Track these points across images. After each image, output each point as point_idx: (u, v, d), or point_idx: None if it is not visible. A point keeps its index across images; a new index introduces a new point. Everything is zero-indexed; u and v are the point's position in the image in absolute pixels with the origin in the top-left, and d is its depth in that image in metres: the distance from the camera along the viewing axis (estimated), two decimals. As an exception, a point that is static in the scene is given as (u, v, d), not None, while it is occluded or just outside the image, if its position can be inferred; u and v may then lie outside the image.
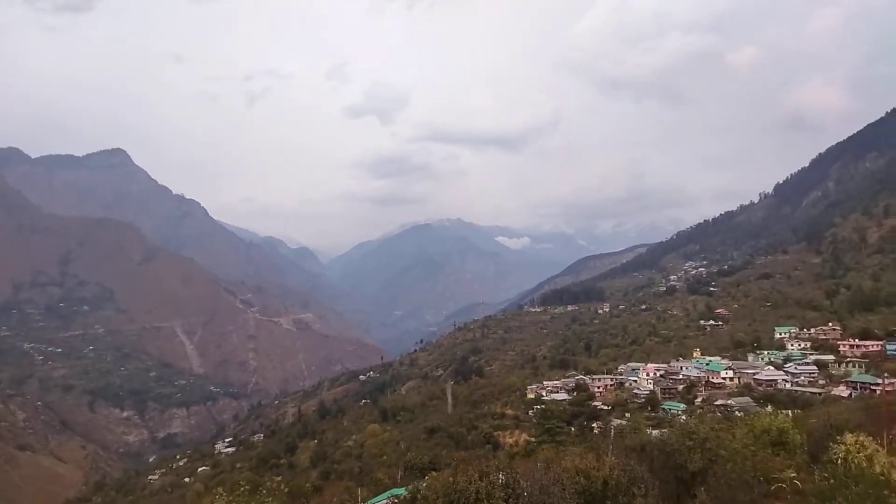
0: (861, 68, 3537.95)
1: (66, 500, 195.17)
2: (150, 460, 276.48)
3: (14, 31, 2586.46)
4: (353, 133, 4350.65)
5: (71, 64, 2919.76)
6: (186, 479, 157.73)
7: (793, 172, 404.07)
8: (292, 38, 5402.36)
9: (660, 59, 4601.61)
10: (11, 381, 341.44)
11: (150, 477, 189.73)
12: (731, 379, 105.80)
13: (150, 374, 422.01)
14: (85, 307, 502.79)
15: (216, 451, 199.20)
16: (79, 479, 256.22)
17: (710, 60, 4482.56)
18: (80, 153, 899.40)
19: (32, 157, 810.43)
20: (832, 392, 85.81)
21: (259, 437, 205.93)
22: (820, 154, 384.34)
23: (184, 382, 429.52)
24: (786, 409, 62.03)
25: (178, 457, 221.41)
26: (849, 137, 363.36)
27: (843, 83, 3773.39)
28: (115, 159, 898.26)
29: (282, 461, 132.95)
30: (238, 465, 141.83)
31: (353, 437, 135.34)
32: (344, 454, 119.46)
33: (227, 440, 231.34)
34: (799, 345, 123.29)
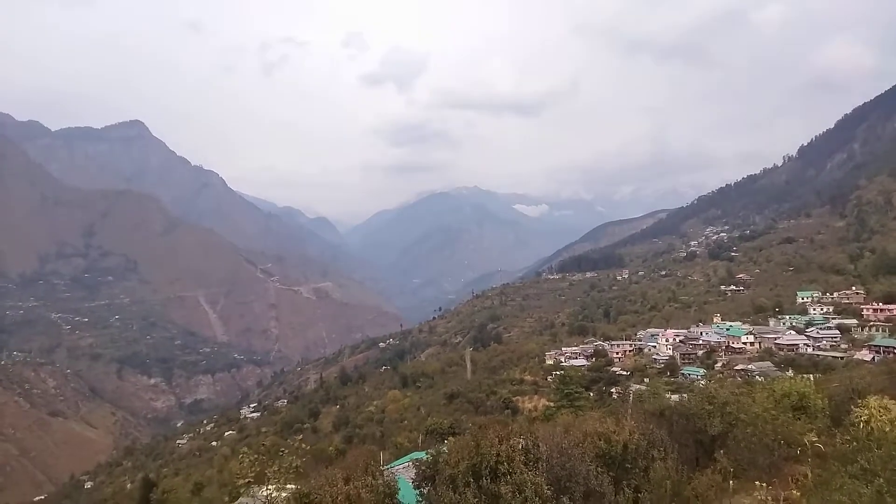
0: (890, 26, 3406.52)
1: (97, 465, 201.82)
2: (178, 425, 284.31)
3: (31, 4, 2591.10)
4: (371, 101, 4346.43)
5: (87, 36, 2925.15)
6: (214, 443, 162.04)
7: (818, 134, 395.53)
8: (307, 5, 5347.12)
9: (683, 19, 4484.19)
10: (41, 350, 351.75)
11: (178, 441, 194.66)
12: (752, 344, 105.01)
13: (176, 343, 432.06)
14: (109, 277, 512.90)
15: (242, 416, 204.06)
16: (109, 444, 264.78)
17: (735, 20, 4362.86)
18: (98, 125, 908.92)
19: (52, 129, 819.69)
20: (855, 356, 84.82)
21: (283, 402, 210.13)
22: (846, 115, 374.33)
23: (208, 350, 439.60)
24: (807, 373, 61.69)
25: (204, 422, 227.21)
26: (876, 98, 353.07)
27: (871, 42, 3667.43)
28: (134, 131, 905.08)
29: (305, 426, 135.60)
30: (263, 430, 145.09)
31: (375, 402, 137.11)
32: (365, 419, 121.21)
33: (251, 405, 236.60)
34: (821, 309, 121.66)
